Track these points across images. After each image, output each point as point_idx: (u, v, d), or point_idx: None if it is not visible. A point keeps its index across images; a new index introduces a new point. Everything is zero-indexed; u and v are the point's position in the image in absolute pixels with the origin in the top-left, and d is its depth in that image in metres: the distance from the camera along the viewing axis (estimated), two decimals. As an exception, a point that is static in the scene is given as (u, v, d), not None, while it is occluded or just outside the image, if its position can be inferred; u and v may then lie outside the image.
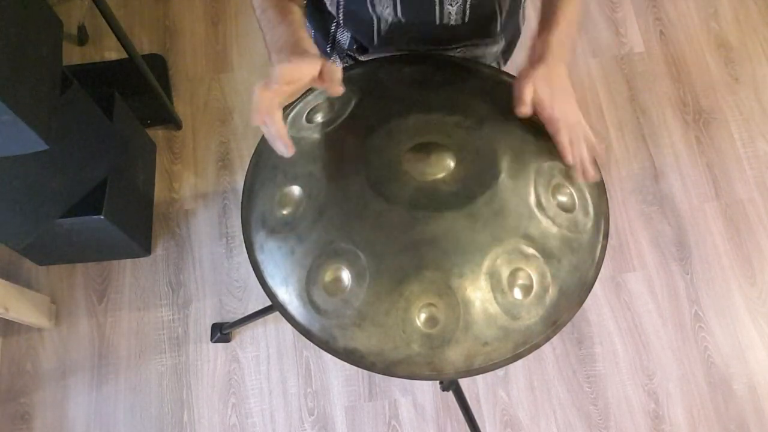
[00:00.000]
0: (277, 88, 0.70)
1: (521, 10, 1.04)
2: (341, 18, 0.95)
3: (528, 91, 0.79)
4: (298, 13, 0.83)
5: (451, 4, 0.87)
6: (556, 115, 0.80)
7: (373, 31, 0.93)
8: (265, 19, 0.82)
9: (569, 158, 0.81)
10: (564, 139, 0.81)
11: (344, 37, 0.99)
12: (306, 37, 0.79)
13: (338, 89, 0.74)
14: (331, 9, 0.95)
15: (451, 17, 0.89)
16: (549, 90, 0.80)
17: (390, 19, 0.90)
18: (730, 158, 1.82)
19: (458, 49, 0.97)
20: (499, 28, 0.97)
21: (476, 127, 0.81)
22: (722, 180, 1.79)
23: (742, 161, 1.81)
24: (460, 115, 0.82)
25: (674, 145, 1.84)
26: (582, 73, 1.94)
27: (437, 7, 0.87)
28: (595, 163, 0.83)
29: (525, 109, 0.80)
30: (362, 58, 1.00)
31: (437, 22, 0.90)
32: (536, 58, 0.82)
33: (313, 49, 0.78)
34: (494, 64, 1.08)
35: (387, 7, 0.88)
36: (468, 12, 0.89)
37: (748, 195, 1.77)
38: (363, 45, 0.98)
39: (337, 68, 0.75)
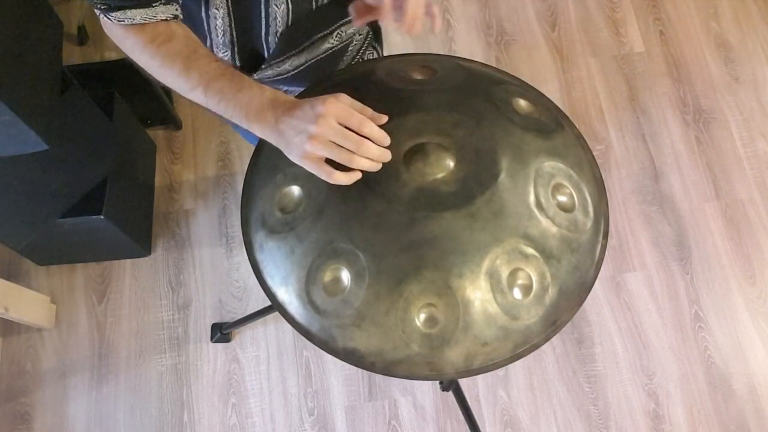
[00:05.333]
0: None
1: None
2: (235, 36, 0.92)
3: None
4: (244, 75, 0.78)
5: None
6: None
7: (261, 45, 0.93)
8: (214, 91, 0.76)
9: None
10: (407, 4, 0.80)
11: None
12: (272, 89, 0.77)
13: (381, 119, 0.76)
14: (220, 36, 0.92)
15: None
16: None
17: (281, 28, 0.89)
18: (730, 158, 1.82)
19: (334, 32, 0.98)
20: None
21: (476, 127, 0.81)
22: (722, 180, 1.79)
23: (742, 161, 1.81)
24: (460, 114, 0.82)
25: (674, 145, 1.84)
26: (582, 73, 1.94)
27: None
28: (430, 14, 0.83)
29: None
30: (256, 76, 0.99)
31: (313, 7, 0.90)
32: None
33: (289, 96, 0.76)
34: (364, 34, 1.08)
35: (281, 4, 0.87)
36: None
37: (748, 195, 1.77)
38: (252, 61, 0.97)
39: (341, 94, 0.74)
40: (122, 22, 0.74)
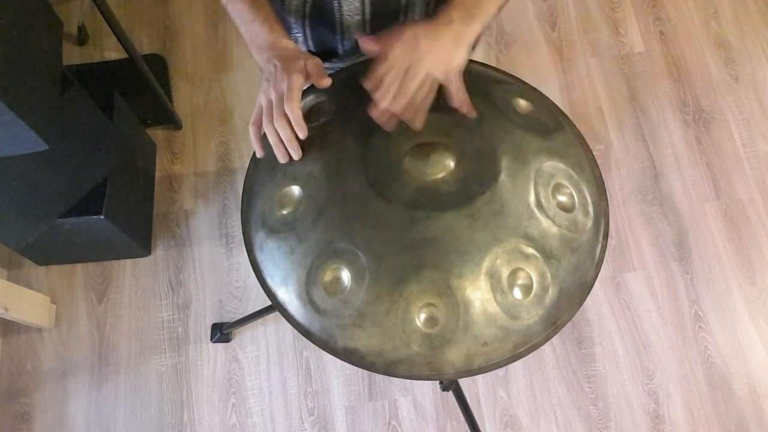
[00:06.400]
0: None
1: None
2: (308, 23, 0.96)
3: (394, 32, 0.77)
4: (267, 5, 0.85)
5: None
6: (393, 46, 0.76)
7: (336, 44, 0.96)
8: (235, 11, 0.84)
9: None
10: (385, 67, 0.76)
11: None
12: (282, 31, 0.83)
13: (325, 82, 0.80)
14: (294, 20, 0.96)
15: (416, 13, 0.92)
16: (413, 32, 0.76)
17: (356, 37, 0.91)
18: (730, 158, 1.82)
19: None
20: None
21: (476, 127, 0.81)
22: (722, 180, 1.79)
23: (742, 161, 1.81)
24: (460, 115, 0.82)
25: (674, 145, 1.84)
26: (582, 73, 1.94)
27: None
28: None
29: (367, 44, 0.79)
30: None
31: (401, 20, 0.92)
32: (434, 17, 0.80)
33: (291, 43, 0.83)
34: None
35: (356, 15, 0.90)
36: None
37: (748, 195, 1.77)
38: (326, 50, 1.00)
39: (318, 61, 0.79)
40: None
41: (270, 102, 0.79)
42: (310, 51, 1.01)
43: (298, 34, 0.98)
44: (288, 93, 0.76)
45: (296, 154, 0.80)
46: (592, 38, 1.99)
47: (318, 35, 0.97)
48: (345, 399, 1.59)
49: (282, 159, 0.81)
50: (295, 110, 0.77)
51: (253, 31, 0.83)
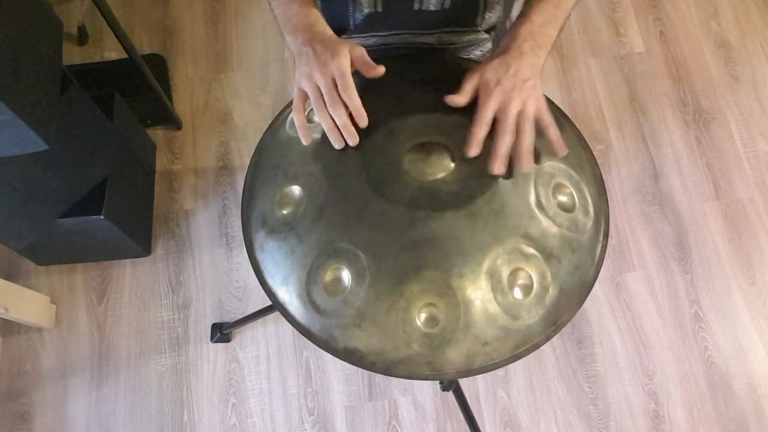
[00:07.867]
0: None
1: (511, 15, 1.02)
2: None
3: (471, 79, 0.77)
4: None
5: None
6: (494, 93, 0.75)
7: (347, 17, 0.93)
8: None
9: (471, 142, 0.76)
10: (485, 111, 0.75)
11: None
12: (319, 16, 0.82)
13: (378, 71, 0.78)
14: None
15: (431, 2, 0.89)
16: (495, 78, 0.75)
17: (367, 10, 0.90)
18: (730, 158, 1.82)
19: (435, 35, 0.96)
20: (480, 20, 0.95)
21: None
22: (722, 180, 1.79)
23: (742, 161, 1.81)
24: (460, 115, 0.82)
25: (674, 145, 1.84)
26: (582, 73, 1.94)
27: None
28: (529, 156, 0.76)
29: (457, 99, 0.77)
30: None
31: (416, 7, 0.90)
32: (499, 50, 0.79)
33: (328, 29, 0.81)
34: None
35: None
36: None
37: (748, 195, 1.77)
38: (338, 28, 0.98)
39: (363, 50, 0.78)
40: None
41: (318, 89, 0.76)
42: None
43: None
44: (342, 80, 0.74)
45: (353, 140, 0.77)
46: (592, 38, 1.99)
47: (328, 4, 0.94)
48: (345, 399, 1.59)
49: (337, 144, 0.78)
50: (354, 98, 0.75)
51: (288, 13, 0.81)
